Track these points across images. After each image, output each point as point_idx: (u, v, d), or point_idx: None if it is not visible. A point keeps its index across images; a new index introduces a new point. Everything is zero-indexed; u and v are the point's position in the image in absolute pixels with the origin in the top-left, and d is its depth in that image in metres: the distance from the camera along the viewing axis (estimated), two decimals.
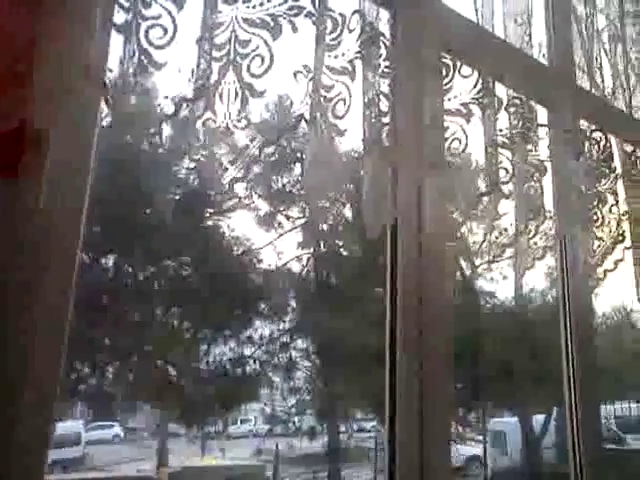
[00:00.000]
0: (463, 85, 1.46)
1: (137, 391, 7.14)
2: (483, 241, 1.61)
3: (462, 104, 1.45)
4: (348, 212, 7.36)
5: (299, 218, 7.40)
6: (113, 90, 0.87)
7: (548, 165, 1.65)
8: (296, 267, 7.48)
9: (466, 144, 1.44)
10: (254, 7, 1.10)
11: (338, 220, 7.41)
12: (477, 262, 7.99)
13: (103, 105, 0.97)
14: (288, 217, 7.29)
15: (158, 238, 6.59)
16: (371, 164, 1.27)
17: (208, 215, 7.13)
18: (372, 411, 8.30)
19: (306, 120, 1.11)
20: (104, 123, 1.00)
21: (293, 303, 7.51)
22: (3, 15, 0.86)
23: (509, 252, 1.64)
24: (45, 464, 0.83)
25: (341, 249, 7.65)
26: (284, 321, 7.39)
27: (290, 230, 7.35)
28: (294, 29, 1.11)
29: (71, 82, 0.90)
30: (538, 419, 8.02)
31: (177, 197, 6.98)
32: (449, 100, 1.45)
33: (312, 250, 7.52)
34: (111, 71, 0.88)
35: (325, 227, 7.49)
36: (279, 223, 7.26)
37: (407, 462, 1.27)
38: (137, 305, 6.99)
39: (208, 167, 1.03)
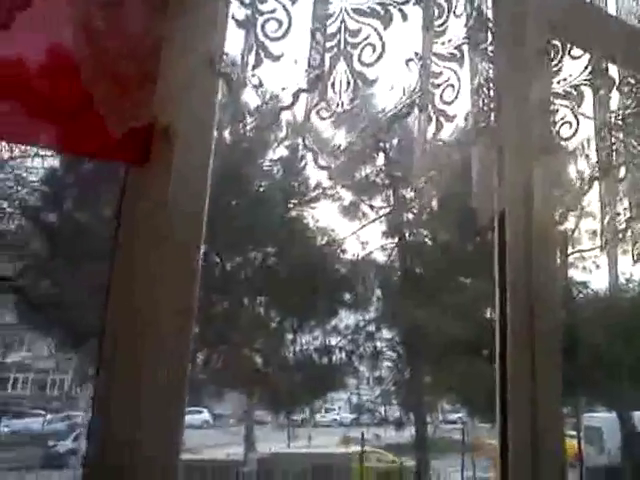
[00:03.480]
0: (573, 67, 1.40)
1: (225, 379, 7.35)
2: (575, 228, 1.54)
3: (572, 86, 1.39)
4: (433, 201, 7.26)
5: (383, 207, 7.38)
6: (236, 83, 0.90)
7: None
8: (380, 257, 7.47)
9: (577, 128, 1.38)
10: None
11: (423, 209, 7.33)
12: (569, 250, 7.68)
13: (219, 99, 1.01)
14: (372, 207, 7.29)
15: (244, 229, 6.75)
16: (480, 150, 1.25)
17: (292, 206, 7.23)
18: (459, 402, 8.19)
19: (419, 107, 1.10)
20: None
21: (378, 293, 7.51)
22: (133, 19, 0.90)
23: (615, 239, 1.56)
24: (180, 443, 0.88)
25: (426, 238, 7.56)
26: (369, 311, 7.40)
27: (374, 220, 7.34)
28: (404, 17, 1.10)
29: (195, 78, 0.93)
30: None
31: (262, 188, 7.13)
32: (558, 83, 1.39)
33: (397, 239, 7.48)
34: (234, 65, 0.91)
35: (410, 216, 7.43)
36: (363, 213, 7.26)
37: (520, 458, 1.25)
38: (225, 294, 7.20)
39: (315, 158, 1.04)
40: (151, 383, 0.87)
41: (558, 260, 1.44)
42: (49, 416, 7.61)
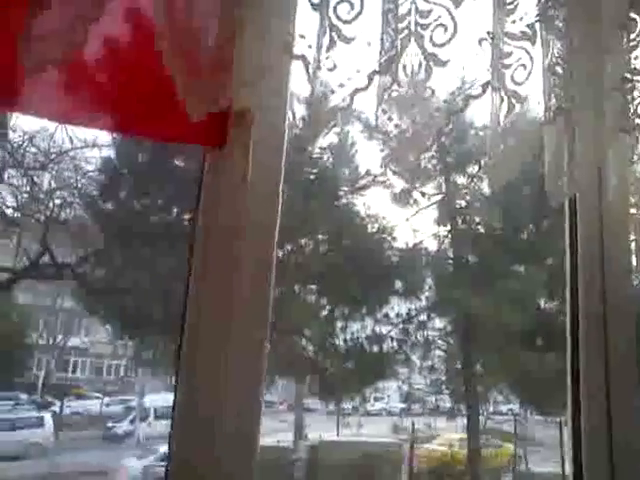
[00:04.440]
0: None
1: (274, 366, 7.39)
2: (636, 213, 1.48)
3: None
4: (485, 187, 7.13)
5: (435, 195, 7.28)
6: (312, 66, 0.90)
7: None
8: (432, 244, 7.39)
9: None
10: None
11: (475, 196, 7.20)
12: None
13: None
14: (424, 194, 7.19)
15: (294, 216, 6.76)
16: (553, 132, 1.21)
17: (343, 193, 7.21)
18: (511, 393, 8.06)
19: (493, 87, 1.08)
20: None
21: (430, 281, 7.43)
22: (209, 4, 0.91)
23: None
24: (260, 427, 0.90)
25: (479, 225, 7.42)
26: (420, 299, 7.33)
27: (426, 207, 7.25)
28: None
29: (270, 62, 0.94)
30: None
31: (312, 176, 7.12)
32: (635, 58, 1.34)
33: (449, 227, 7.37)
34: (310, 47, 0.91)
35: (463, 203, 7.31)
36: (415, 200, 7.17)
37: (595, 452, 1.21)
38: (276, 282, 7.22)
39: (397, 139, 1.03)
40: (231, 366, 0.89)
41: (633, 245, 1.39)
42: (107, 399, 7.85)
